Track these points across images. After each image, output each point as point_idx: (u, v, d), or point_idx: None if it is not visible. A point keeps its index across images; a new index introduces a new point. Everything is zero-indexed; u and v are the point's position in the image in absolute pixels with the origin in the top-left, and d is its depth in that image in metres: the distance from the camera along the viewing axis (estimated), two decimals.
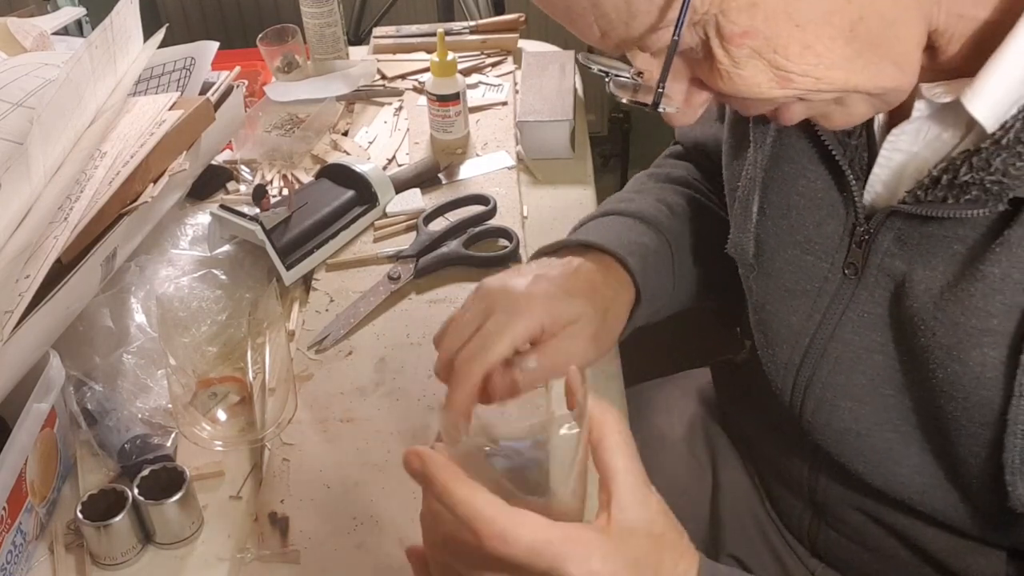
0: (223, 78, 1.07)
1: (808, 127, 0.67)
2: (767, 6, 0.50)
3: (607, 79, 0.60)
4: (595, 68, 0.60)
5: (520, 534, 0.51)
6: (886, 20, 0.52)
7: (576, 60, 1.34)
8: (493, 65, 1.42)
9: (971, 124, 0.57)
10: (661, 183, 0.93)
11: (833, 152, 0.66)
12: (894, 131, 0.62)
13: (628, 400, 0.91)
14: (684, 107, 0.58)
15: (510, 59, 1.42)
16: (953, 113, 0.58)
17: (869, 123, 0.65)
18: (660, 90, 0.54)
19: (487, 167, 1.21)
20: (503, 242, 1.07)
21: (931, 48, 0.57)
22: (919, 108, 0.60)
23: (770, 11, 0.50)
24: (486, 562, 0.53)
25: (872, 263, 0.66)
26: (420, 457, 0.54)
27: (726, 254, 0.79)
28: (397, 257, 1.05)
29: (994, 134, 0.56)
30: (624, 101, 0.59)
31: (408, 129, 1.30)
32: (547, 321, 0.70)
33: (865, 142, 0.65)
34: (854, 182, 0.66)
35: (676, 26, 0.50)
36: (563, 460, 0.55)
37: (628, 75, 0.58)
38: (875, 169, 0.64)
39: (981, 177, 0.57)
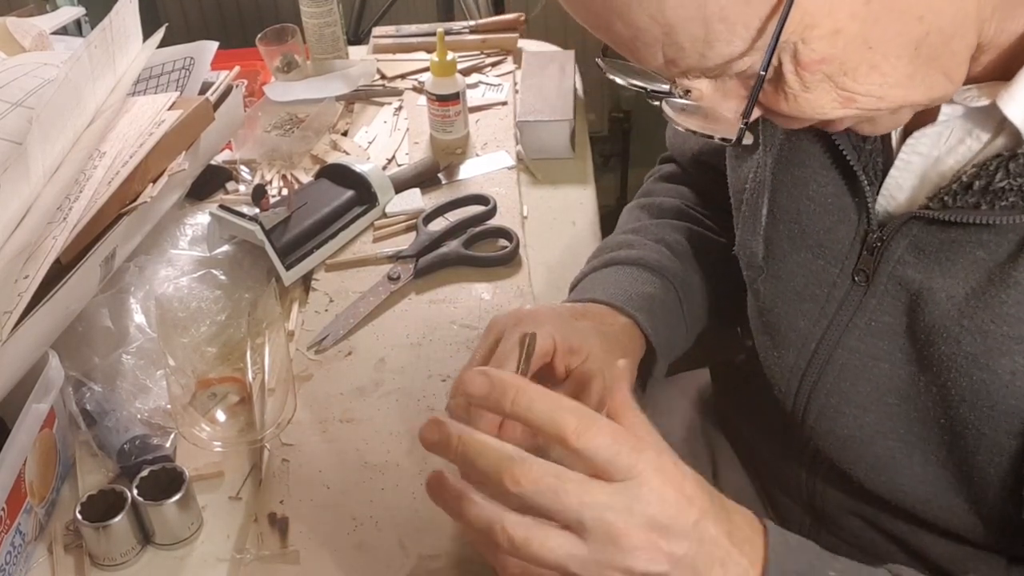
0: (222, 78, 1.07)
1: (820, 131, 0.66)
2: (848, 32, 0.49)
3: (649, 98, 0.58)
4: (623, 80, 0.58)
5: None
6: (945, 35, 0.51)
7: (583, 64, 1.33)
8: (493, 65, 1.42)
9: (999, 128, 0.56)
10: (655, 218, 0.93)
11: (847, 157, 0.65)
12: (915, 135, 0.61)
13: None
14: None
15: (510, 59, 1.42)
16: (983, 117, 0.57)
17: None
18: (744, 125, 0.53)
19: (487, 167, 1.21)
20: (503, 242, 1.07)
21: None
22: (946, 112, 0.59)
23: (850, 37, 0.50)
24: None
25: (883, 271, 0.65)
26: (486, 374, 0.53)
27: (729, 281, 0.80)
28: (397, 257, 1.05)
29: None
30: (696, 133, 0.56)
31: (408, 129, 1.30)
32: (558, 337, 0.70)
33: (880, 147, 0.65)
34: (867, 187, 0.65)
35: (767, 59, 0.49)
36: None
37: (673, 93, 0.56)
38: (892, 172, 0.64)
39: (1019, 183, 0.56)
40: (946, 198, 0.60)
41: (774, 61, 0.51)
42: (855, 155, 0.65)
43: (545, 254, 1.06)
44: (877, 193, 0.65)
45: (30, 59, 1.00)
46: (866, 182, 0.65)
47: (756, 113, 0.56)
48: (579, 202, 1.15)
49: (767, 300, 0.75)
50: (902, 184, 0.64)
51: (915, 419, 0.67)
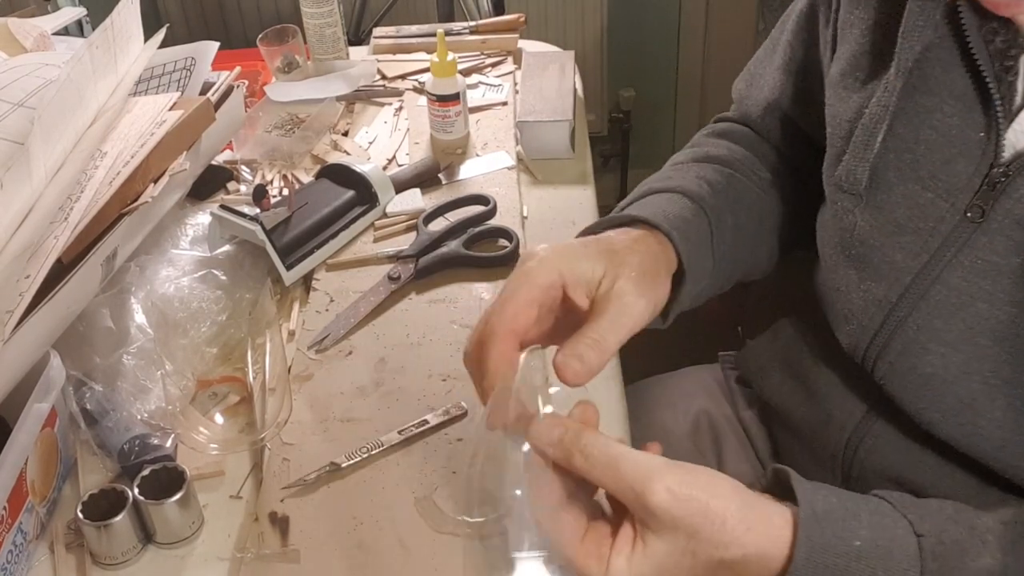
0: (223, 78, 1.07)
1: (966, 59, 0.64)
2: None
3: None
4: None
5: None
6: None
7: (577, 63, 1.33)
8: (493, 65, 1.42)
9: None
10: (699, 162, 0.88)
11: (990, 86, 0.63)
12: None
13: (630, 397, 0.91)
14: None
15: (510, 59, 1.42)
16: None
17: None
18: None
19: (487, 167, 1.21)
20: (503, 242, 1.07)
21: None
22: None
23: None
24: None
25: (1001, 208, 0.64)
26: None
27: (760, 237, 0.78)
28: (397, 257, 1.05)
29: None
30: None
31: (408, 129, 1.30)
32: (564, 269, 0.67)
33: (1022, 78, 0.63)
34: (1002, 120, 0.63)
35: None
36: None
37: None
38: None
39: None
40: None
41: None
42: (996, 85, 0.63)
43: None
44: (1009, 126, 0.63)
45: (31, 59, 1.00)
46: (1002, 114, 0.63)
47: None
48: (579, 202, 1.15)
49: (862, 231, 0.73)
50: None
51: (1004, 361, 0.66)
